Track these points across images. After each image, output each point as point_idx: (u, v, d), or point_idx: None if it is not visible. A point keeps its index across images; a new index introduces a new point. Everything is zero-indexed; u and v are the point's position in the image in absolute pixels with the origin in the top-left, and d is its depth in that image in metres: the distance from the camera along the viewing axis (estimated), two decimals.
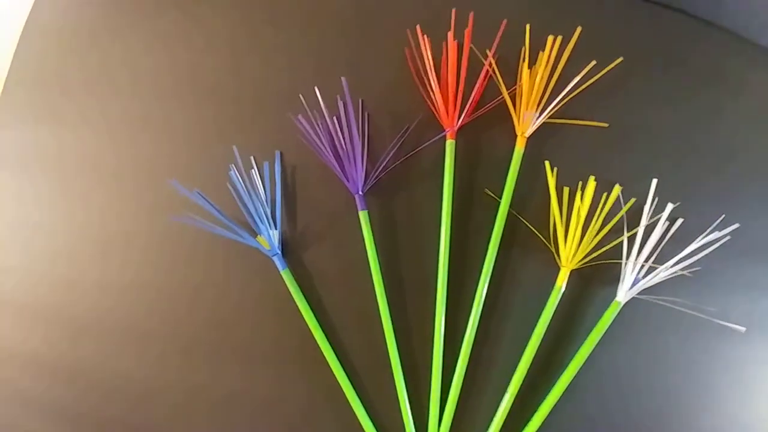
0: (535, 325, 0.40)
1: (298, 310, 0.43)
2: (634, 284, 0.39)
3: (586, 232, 0.41)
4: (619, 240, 0.41)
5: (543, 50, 0.45)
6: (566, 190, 0.44)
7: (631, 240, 0.41)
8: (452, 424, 0.40)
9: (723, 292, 0.41)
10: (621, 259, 0.41)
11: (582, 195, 0.43)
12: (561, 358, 0.40)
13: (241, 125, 0.48)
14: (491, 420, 0.39)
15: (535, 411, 0.39)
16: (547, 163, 0.44)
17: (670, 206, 0.41)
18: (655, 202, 0.43)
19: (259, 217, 0.43)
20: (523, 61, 0.45)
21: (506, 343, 0.42)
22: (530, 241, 0.44)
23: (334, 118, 0.44)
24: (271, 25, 0.50)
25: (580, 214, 0.42)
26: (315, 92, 0.46)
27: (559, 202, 0.43)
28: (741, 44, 0.46)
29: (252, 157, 0.47)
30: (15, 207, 0.52)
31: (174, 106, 0.50)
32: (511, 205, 0.43)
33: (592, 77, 0.44)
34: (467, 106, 0.45)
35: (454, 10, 0.44)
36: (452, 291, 0.42)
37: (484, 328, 0.41)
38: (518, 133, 0.44)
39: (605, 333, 0.39)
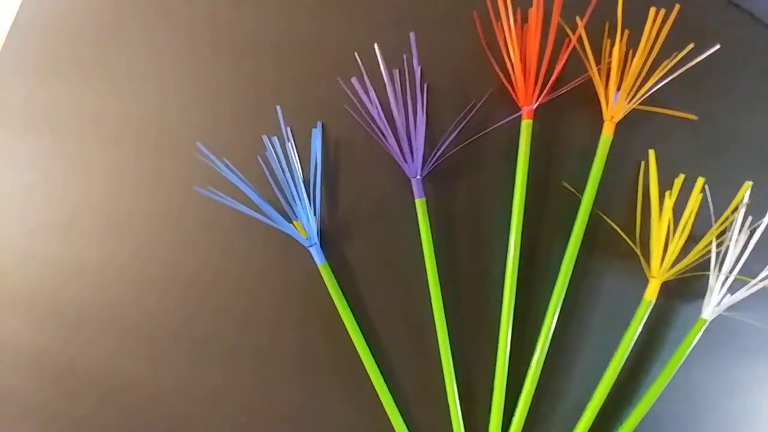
0: (616, 344, 0.35)
1: (336, 312, 0.36)
2: (721, 299, 0.35)
3: (674, 237, 0.36)
4: (707, 249, 0.36)
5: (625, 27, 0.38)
6: (653, 188, 0.37)
7: (718, 248, 0.36)
8: None
9: None
10: (707, 269, 0.36)
11: (671, 195, 0.37)
12: (638, 381, 0.36)
13: (277, 89, 0.41)
14: None
15: None
16: (648, 159, 0.38)
17: None
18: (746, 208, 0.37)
19: (296, 200, 0.36)
20: (617, 35, 0.38)
21: (581, 364, 0.36)
22: (611, 245, 0.38)
23: (391, 85, 0.37)
24: None
25: (669, 218, 0.36)
26: (371, 50, 0.39)
27: (644, 201, 0.38)
28: None
29: (288, 128, 0.40)
30: (3, 169, 0.44)
31: (195, 61, 0.42)
32: (594, 203, 0.36)
33: (686, 63, 0.38)
34: (548, 81, 0.38)
35: None
36: (521, 299, 0.36)
37: (556, 344, 0.36)
38: (606, 117, 0.38)
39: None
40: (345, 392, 0.36)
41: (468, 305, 0.37)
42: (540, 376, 0.35)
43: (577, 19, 0.38)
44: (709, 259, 0.36)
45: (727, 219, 0.38)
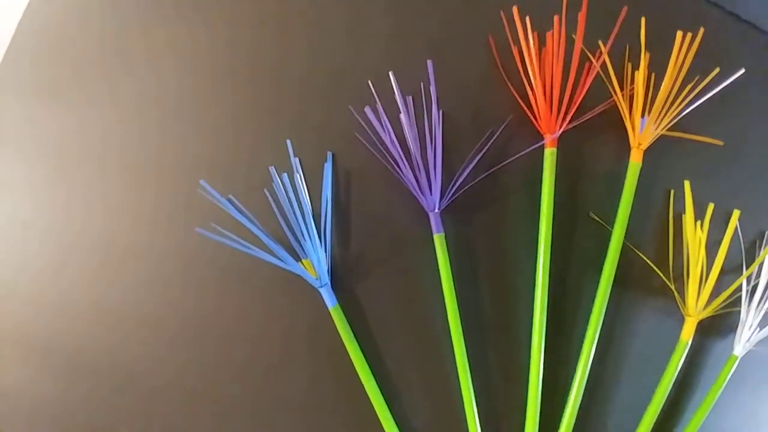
0: (653, 384, 0.33)
1: (349, 358, 0.33)
2: (752, 334, 0.34)
3: (710, 272, 0.34)
4: (740, 280, 0.34)
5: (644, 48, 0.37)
6: (689, 225, 0.35)
7: (749, 280, 0.36)
8: None
9: None
10: (737, 304, 0.35)
11: (703, 228, 0.35)
12: (672, 421, 0.34)
13: (286, 117, 0.38)
14: None
15: None
16: (679, 187, 0.37)
17: None
18: None
19: (305, 236, 0.33)
20: (642, 59, 0.36)
21: (617, 408, 0.34)
22: (644, 280, 0.36)
23: (406, 112, 0.35)
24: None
25: (702, 251, 0.34)
26: (386, 78, 0.37)
27: (675, 231, 0.36)
28: None
29: (297, 159, 0.37)
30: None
31: (202, 88, 0.40)
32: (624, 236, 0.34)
33: (713, 87, 0.36)
34: (571, 107, 0.36)
35: None
36: (551, 339, 0.34)
37: (590, 387, 0.33)
38: (633, 144, 0.36)
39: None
40: None
41: (493, 348, 0.34)
42: (575, 421, 0.32)
43: (600, 43, 0.37)
44: (739, 294, 0.35)
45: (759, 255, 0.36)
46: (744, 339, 0.34)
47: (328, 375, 0.34)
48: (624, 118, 0.36)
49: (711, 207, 0.37)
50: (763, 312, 0.35)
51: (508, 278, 0.35)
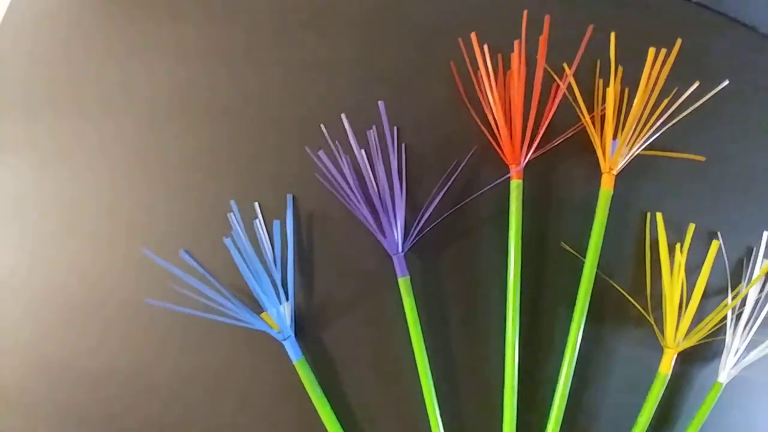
0: (632, 417, 0.32)
1: (315, 412, 0.32)
2: (737, 361, 0.33)
3: (689, 299, 0.32)
4: (724, 310, 0.32)
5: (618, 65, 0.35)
6: (663, 256, 0.34)
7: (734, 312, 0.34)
8: None
9: None
10: (722, 330, 0.33)
11: (683, 250, 0.34)
12: None
13: (242, 161, 0.37)
14: None
15: None
16: (656, 215, 0.35)
17: None
18: (761, 259, 0.35)
19: (265, 287, 0.32)
20: (611, 77, 0.34)
21: None
22: (620, 310, 0.35)
23: (364, 151, 0.34)
24: (280, 34, 0.39)
25: (681, 277, 0.32)
26: (340, 120, 0.35)
27: (653, 256, 0.35)
28: None
29: (256, 204, 0.36)
30: None
31: (156, 135, 0.39)
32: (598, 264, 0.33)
33: (693, 102, 0.34)
34: (536, 135, 0.34)
35: (526, 12, 0.33)
36: (525, 378, 0.32)
37: (568, 428, 0.32)
38: (604, 169, 0.34)
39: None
40: None
41: (466, 391, 0.33)
42: None
43: (565, 66, 0.35)
44: (723, 321, 0.33)
45: (743, 280, 0.34)
46: (729, 365, 0.33)
47: (294, 430, 0.33)
48: (594, 142, 0.35)
49: (692, 228, 0.35)
50: (749, 338, 0.33)
51: (480, 317, 0.34)
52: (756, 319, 0.33)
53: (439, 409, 0.31)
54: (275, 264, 0.34)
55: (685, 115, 0.34)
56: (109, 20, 0.41)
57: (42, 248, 0.38)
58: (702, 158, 0.36)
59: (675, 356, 0.32)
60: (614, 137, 0.35)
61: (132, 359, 0.35)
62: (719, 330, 0.34)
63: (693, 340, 0.32)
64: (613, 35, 0.35)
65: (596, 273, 0.33)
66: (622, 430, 0.32)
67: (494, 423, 0.32)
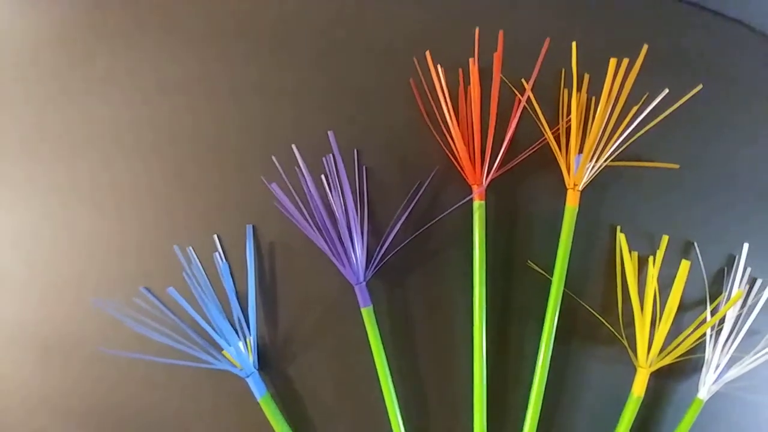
0: None
1: None
2: (718, 377, 0.32)
3: (662, 316, 0.31)
4: (702, 329, 0.31)
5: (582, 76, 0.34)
6: (633, 255, 0.33)
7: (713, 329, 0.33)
8: None
9: None
10: (701, 345, 0.33)
11: (656, 263, 0.33)
12: None
13: (200, 192, 0.36)
14: None
15: None
16: (619, 231, 0.34)
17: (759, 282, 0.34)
18: (741, 271, 0.34)
19: (222, 324, 0.31)
20: (576, 90, 0.33)
21: None
22: (591, 329, 0.34)
23: (324, 177, 0.33)
24: (236, 62, 0.38)
25: (655, 290, 0.31)
26: (303, 141, 0.34)
27: (622, 272, 0.33)
28: None
29: (215, 236, 0.35)
30: None
31: (108, 167, 0.38)
32: (565, 283, 0.32)
33: (665, 109, 0.33)
34: (499, 154, 0.33)
35: (477, 29, 0.32)
36: (494, 403, 0.32)
37: None
38: (569, 185, 0.33)
39: None
40: None
41: (435, 418, 0.32)
42: None
43: (523, 81, 0.34)
44: (701, 338, 0.32)
45: (724, 290, 0.33)
46: (709, 381, 0.32)
47: None
48: (557, 158, 0.34)
49: (665, 239, 0.34)
50: (730, 353, 0.32)
51: (447, 342, 0.33)
52: (737, 334, 0.32)
53: None
54: (236, 297, 0.33)
55: (660, 121, 0.33)
56: (66, 56, 0.40)
57: (16, 284, 0.37)
58: (676, 166, 0.35)
59: (648, 376, 0.31)
60: (581, 150, 0.34)
61: (93, 399, 0.34)
62: (697, 347, 0.33)
63: (668, 359, 0.31)
64: (574, 44, 0.34)
65: (565, 291, 0.32)
66: None
67: None
